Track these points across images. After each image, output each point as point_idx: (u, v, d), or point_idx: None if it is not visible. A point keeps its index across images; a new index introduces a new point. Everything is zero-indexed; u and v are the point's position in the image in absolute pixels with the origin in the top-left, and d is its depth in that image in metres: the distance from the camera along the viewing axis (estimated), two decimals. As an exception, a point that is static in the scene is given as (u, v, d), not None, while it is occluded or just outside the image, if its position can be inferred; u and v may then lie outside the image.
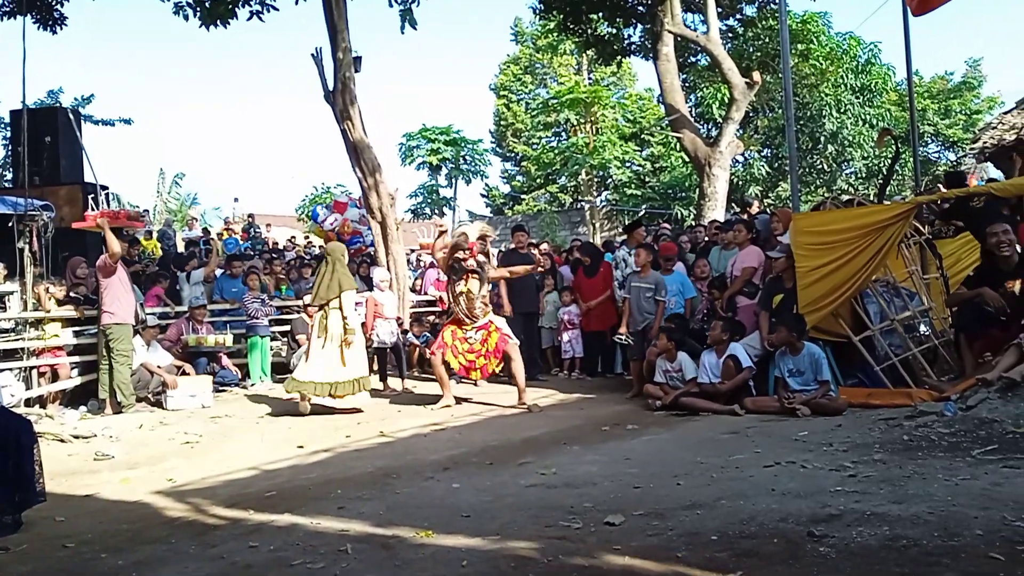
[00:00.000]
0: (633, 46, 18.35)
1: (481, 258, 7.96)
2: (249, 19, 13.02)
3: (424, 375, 10.89)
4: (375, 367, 11.16)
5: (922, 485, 3.88)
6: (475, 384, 9.37)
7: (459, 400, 8.35)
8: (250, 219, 21.98)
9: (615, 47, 18.30)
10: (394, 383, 9.79)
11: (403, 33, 13.82)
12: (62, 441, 6.72)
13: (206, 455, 6.21)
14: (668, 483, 4.38)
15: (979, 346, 6.64)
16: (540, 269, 9.10)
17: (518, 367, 7.96)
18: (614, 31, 17.95)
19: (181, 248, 17.91)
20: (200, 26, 12.84)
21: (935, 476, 4.04)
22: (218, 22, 12.83)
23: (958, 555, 2.89)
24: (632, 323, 8.62)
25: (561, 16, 17.16)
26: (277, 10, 13.08)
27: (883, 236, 6.93)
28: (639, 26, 17.88)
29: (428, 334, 11.29)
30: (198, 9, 12.71)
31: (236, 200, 26.68)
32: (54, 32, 13.68)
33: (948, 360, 7.39)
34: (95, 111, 20.26)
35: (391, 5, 13.42)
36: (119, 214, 8.84)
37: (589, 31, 17.50)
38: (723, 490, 4.10)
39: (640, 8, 16.93)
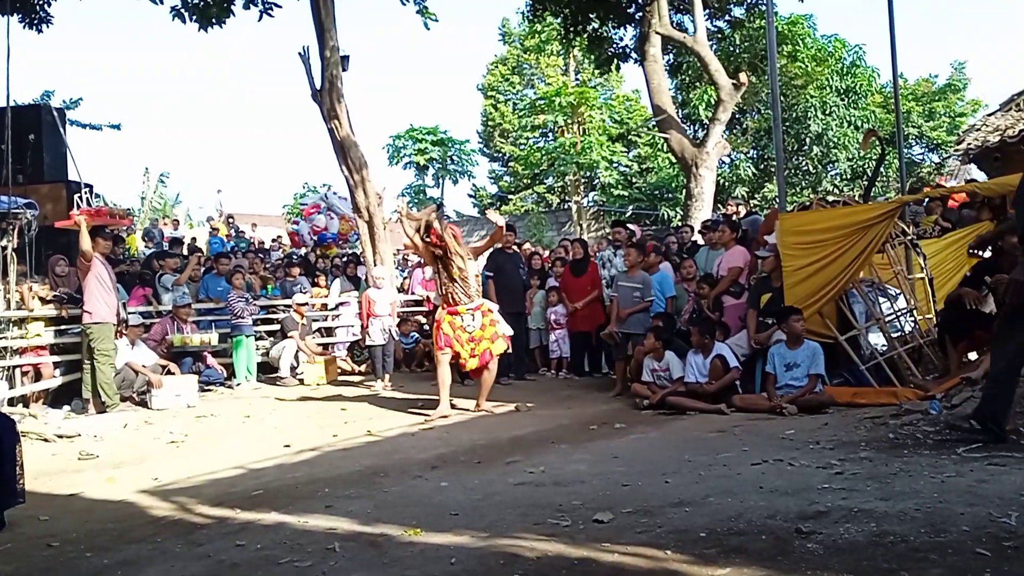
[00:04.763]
0: (627, 49, 18.31)
1: (450, 241, 7.55)
2: (260, 19, 13.00)
3: (412, 373, 10.88)
4: (361, 366, 11.19)
5: (908, 482, 3.90)
6: (462, 383, 9.21)
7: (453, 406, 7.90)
8: (230, 219, 21.86)
9: (609, 51, 18.27)
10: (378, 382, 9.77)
11: (428, 29, 13.69)
12: (46, 441, 6.66)
13: (191, 454, 6.17)
14: (656, 481, 4.38)
15: (963, 346, 6.70)
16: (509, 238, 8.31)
17: (489, 376, 7.72)
18: (605, 34, 17.93)
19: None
20: (199, 29, 12.82)
21: (921, 473, 4.06)
22: (213, 22, 12.80)
23: (945, 551, 2.90)
24: (619, 322, 8.64)
25: (559, 20, 17.12)
26: (280, 7, 13.04)
27: (868, 236, 6.98)
28: (628, 28, 17.90)
29: (416, 333, 11.29)
30: (194, 13, 12.67)
31: (219, 191, 26.53)
32: (40, 31, 13.61)
33: (933, 359, 7.45)
34: (83, 113, 20.09)
35: (404, 3, 13.36)
36: (101, 212, 8.74)
37: (589, 31, 17.43)
38: (711, 488, 4.11)
39: (632, 8, 16.91)
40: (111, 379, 8.20)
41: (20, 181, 10.64)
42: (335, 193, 18.83)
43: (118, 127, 20.01)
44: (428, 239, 7.52)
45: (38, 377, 8.67)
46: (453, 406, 7.77)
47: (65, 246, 10.22)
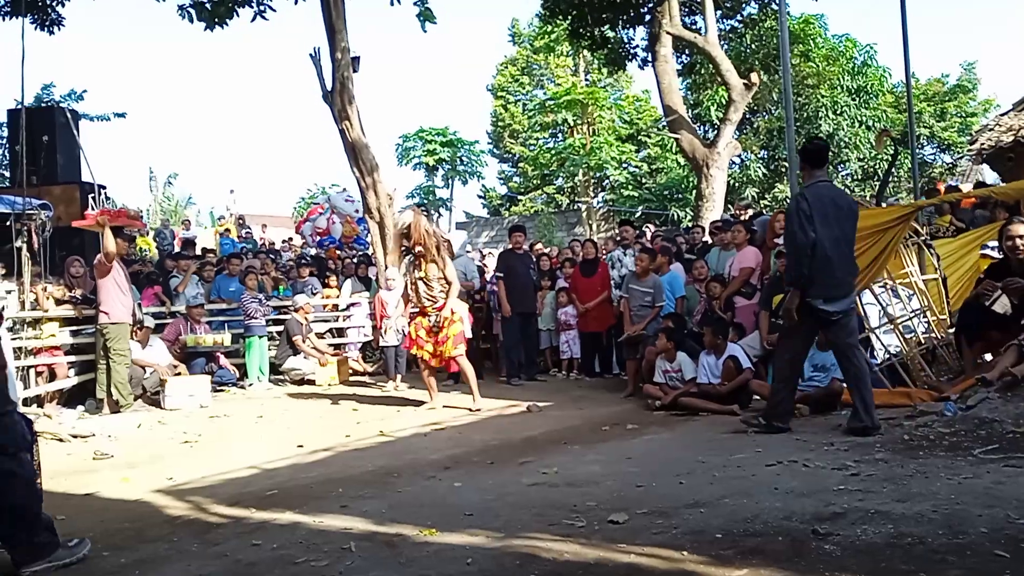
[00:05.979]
0: (637, 49, 18.29)
1: (429, 242, 7.78)
2: (253, 20, 13.08)
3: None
4: (370, 367, 11.22)
5: (925, 484, 3.88)
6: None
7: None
8: (240, 220, 21.98)
9: (620, 52, 18.24)
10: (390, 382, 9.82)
11: (425, 32, 13.59)
12: (61, 440, 6.70)
13: (205, 454, 6.19)
14: (670, 482, 4.37)
15: (979, 346, 6.66)
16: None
17: (468, 374, 7.91)
18: (616, 35, 17.89)
19: (178, 248, 17.85)
20: (204, 28, 12.87)
21: (937, 475, 4.04)
22: (217, 22, 12.84)
23: (964, 552, 2.89)
24: (632, 324, 8.65)
25: (569, 21, 17.10)
26: (274, 11, 13.10)
27: (884, 239, 6.92)
28: (639, 29, 17.86)
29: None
30: (201, 12, 12.72)
31: (232, 192, 26.59)
32: (51, 33, 13.73)
33: (947, 360, 7.41)
34: (88, 107, 20.04)
35: (392, 3, 13.36)
36: (120, 213, 8.79)
37: (598, 33, 17.39)
38: (726, 489, 4.10)
39: (644, 10, 16.87)
40: (125, 379, 8.25)
41: (34, 182, 10.72)
42: (340, 193, 18.90)
43: (123, 115, 20.02)
44: (409, 243, 7.78)
45: (52, 377, 8.72)
46: (447, 406, 8.06)
47: (79, 247, 10.29)
